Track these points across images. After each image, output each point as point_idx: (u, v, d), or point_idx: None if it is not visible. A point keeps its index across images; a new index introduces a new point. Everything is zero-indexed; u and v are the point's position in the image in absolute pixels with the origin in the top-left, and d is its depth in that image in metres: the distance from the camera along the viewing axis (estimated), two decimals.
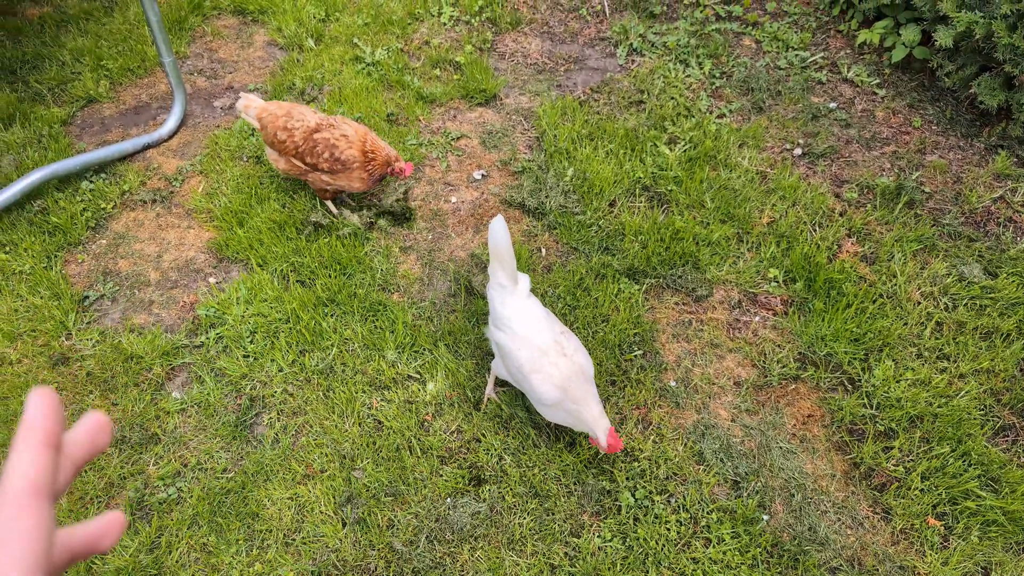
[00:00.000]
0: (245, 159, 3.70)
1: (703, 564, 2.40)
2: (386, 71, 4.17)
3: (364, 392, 2.82)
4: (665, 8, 4.63)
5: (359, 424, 2.73)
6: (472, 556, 2.42)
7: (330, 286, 3.15)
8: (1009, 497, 2.51)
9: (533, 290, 2.95)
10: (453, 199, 3.59)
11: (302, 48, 4.37)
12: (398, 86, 4.10)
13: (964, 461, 2.63)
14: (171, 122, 3.80)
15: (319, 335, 2.98)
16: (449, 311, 3.14)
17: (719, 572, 2.38)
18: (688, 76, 4.15)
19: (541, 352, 2.45)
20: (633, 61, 4.31)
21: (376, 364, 2.90)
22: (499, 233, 2.52)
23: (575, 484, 2.58)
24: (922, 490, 2.57)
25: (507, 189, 3.60)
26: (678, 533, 2.48)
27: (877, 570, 2.41)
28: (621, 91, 4.08)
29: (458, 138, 3.86)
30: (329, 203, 3.42)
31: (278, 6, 4.62)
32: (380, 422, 2.75)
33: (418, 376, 2.90)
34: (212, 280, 3.24)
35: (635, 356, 2.96)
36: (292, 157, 3.20)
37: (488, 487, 2.57)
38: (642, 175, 3.59)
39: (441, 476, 2.60)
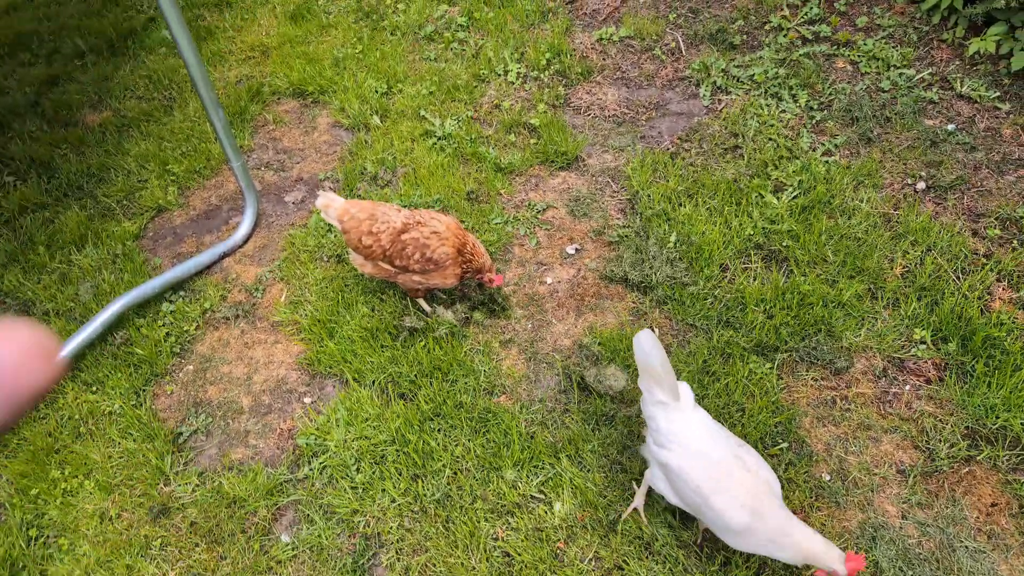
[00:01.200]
0: (326, 259, 3.62)
1: None
2: (459, 143, 4.05)
3: (487, 520, 2.65)
4: (745, 37, 4.39)
5: (487, 559, 2.56)
6: None
7: (433, 396, 3.01)
8: None
9: None
10: (548, 279, 3.42)
11: (368, 127, 4.30)
12: (474, 159, 3.98)
13: None
14: (244, 226, 3.76)
15: (429, 456, 2.84)
16: (562, 411, 2.96)
17: None
18: (783, 112, 3.90)
19: (720, 469, 2.18)
20: (719, 101, 4.09)
21: (495, 486, 2.73)
22: (648, 348, 2.26)
23: None
24: None
25: (606, 263, 3.41)
26: None
27: None
28: (713, 137, 3.85)
29: (544, 210, 3.70)
30: (422, 301, 3.30)
31: (338, 84, 4.57)
32: (509, 555, 2.57)
33: (542, 496, 2.72)
34: (307, 400, 3.14)
35: (781, 449, 2.72)
36: (380, 261, 3.10)
37: None
38: (752, 231, 3.36)
39: None
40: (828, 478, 2.67)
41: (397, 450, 2.89)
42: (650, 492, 2.59)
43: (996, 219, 3.27)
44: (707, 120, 3.98)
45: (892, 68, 4.02)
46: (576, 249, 3.52)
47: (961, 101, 3.83)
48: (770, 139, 3.78)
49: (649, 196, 3.61)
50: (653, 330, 2.54)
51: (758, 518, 2.12)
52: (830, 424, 2.80)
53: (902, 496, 2.59)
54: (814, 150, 3.70)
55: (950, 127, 3.67)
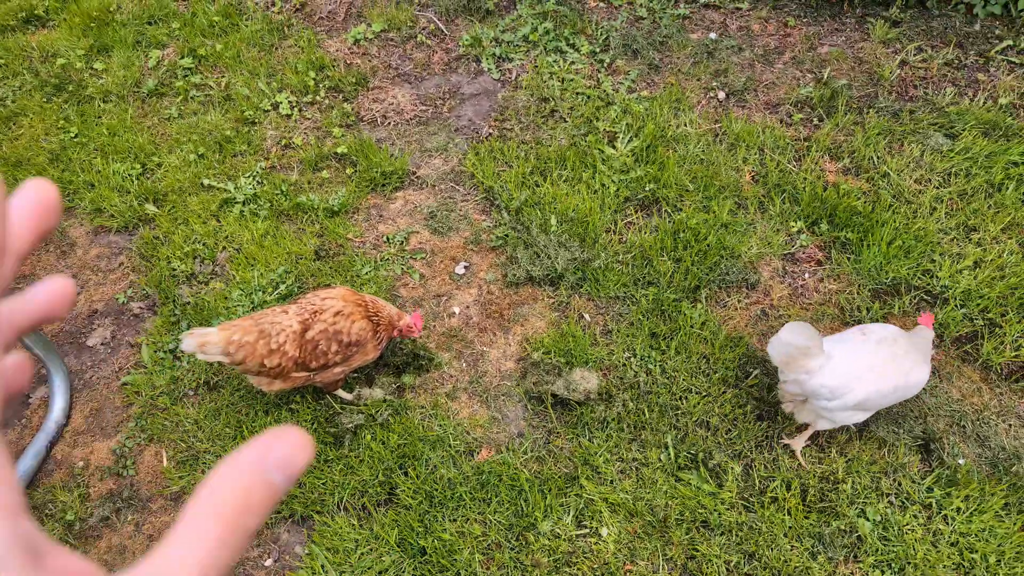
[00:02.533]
0: (192, 392, 2.88)
1: None
2: (271, 201, 3.42)
3: None
4: (497, 1, 4.27)
5: None
6: None
7: (416, 488, 2.61)
8: None
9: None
10: (455, 309, 3.11)
11: (146, 220, 3.44)
12: (297, 212, 3.40)
13: None
14: (59, 398, 2.82)
15: (450, 552, 2.47)
16: (548, 434, 2.76)
17: None
18: (573, 63, 3.89)
19: (892, 360, 2.44)
20: (508, 71, 3.95)
21: (537, 544, 2.48)
22: (797, 340, 2.39)
23: None
24: None
25: (502, 269, 3.19)
26: None
27: None
28: (526, 108, 3.73)
29: (406, 238, 3.32)
30: (341, 392, 2.80)
31: (76, 182, 3.54)
32: None
33: (587, 529, 2.54)
34: (269, 563, 2.54)
35: (756, 375, 2.83)
36: (293, 374, 2.55)
37: None
38: (615, 187, 3.36)
39: None
40: None
41: (415, 565, 2.47)
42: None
43: (791, 105, 3.65)
44: (509, 93, 3.85)
45: None
46: (465, 267, 3.23)
47: (709, 10, 4.16)
48: (578, 93, 3.77)
49: (503, 187, 3.42)
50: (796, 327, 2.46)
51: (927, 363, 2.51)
52: (773, 334, 2.99)
53: None
54: (617, 91, 3.78)
55: (712, 36, 3.99)
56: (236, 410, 2.83)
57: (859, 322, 2.95)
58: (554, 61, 3.92)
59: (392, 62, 4.08)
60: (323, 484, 2.65)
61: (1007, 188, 3.15)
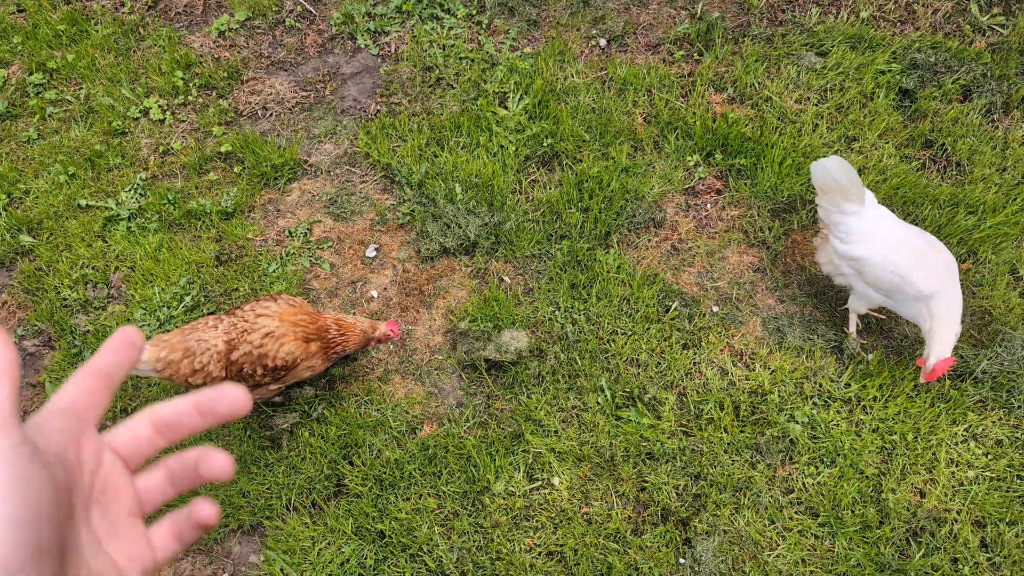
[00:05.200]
0: (108, 424, 2.79)
1: None
2: (161, 212, 3.31)
3: (511, 541, 2.51)
4: None
5: (544, 573, 2.45)
6: None
7: (364, 475, 2.64)
8: None
9: None
10: (373, 293, 3.13)
11: (25, 252, 3.25)
12: (190, 220, 3.30)
13: None
14: None
15: (409, 531, 2.53)
16: (487, 398, 2.85)
17: None
18: (451, 29, 3.92)
19: (914, 251, 2.52)
20: (386, 45, 3.94)
21: (494, 505, 2.57)
22: (835, 173, 2.50)
23: None
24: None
25: (414, 245, 3.22)
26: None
27: None
28: (411, 80, 3.74)
29: (310, 229, 3.29)
30: (279, 398, 2.78)
31: None
32: (553, 553, 2.49)
33: (540, 481, 2.65)
34: None
35: (676, 307, 3.00)
36: None
37: None
38: (512, 146, 3.43)
39: None
40: (716, 308, 3.05)
41: (376, 549, 2.52)
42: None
43: (671, 43, 3.81)
44: (391, 67, 3.84)
45: None
46: (376, 249, 3.24)
47: None
48: (461, 58, 3.81)
49: (401, 162, 3.44)
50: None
51: (942, 285, 2.52)
52: (686, 268, 3.16)
53: (769, 287, 3.08)
54: (500, 51, 3.84)
55: None
56: None
57: (764, 243, 3.16)
58: (432, 29, 3.94)
59: (263, 51, 3.99)
60: (267, 488, 2.64)
61: (878, 97, 3.42)
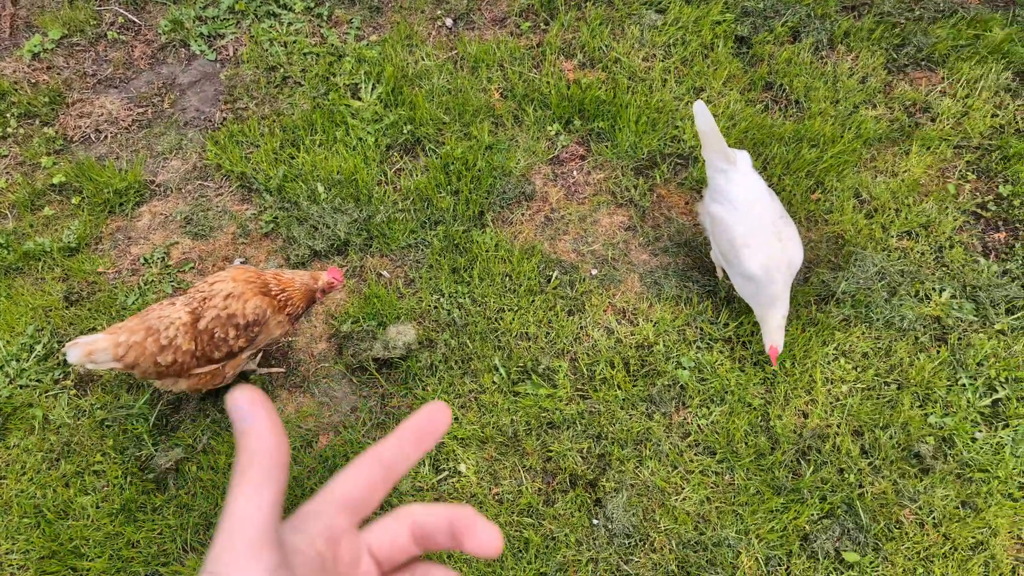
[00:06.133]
0: None
1: None
2: None
3: None
4: None
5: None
6: None
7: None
8: None
9: None
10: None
11: None
12: (30, 261, 3.04)
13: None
14: None
15: None
16: (382, 397, 2.80)
17: None
18: (291, 25, 3.78)
19: (758, 229, 2.57)
20: (223, 48, 3.75)
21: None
22: (702, 114, 2.57)
23: None
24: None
25: (281, 252, 3.10)
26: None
27: None
28: (256, 83, 3.58)
29: (167, 254, 3.10)
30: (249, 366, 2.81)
31: None
32: None
33: (448, 471, 2.63)
34: None
35: (559, 280, 3.04)
36: (197, 369, 2.48)
37: None
38: (371, 137, 3.36)
39: None
40: (595, 271, 3.12)
41: None
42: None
43: (516, 16, 3.83)
44: (232, 71, 3.66)
45: None
46: (242, 262, 3.10)
47: None
48: (305, 53, 3.68)
49: (257, 168, 3.29)
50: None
51: (768, 278, 2.57)
52: (561, 236, 3.20)
53: (641, 243, 3.18)
54: (345, 41, 3.74)
55: None
56: (30, 496, 2.56)
57: (632, 201, 3.25)
58: (270, 26, 3.78)
59: (87, 69, 3.71)
60: (159, 534, 2.50)
61: (718, 46, 3.58)
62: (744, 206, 2.62)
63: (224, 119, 3.53)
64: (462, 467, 2.69)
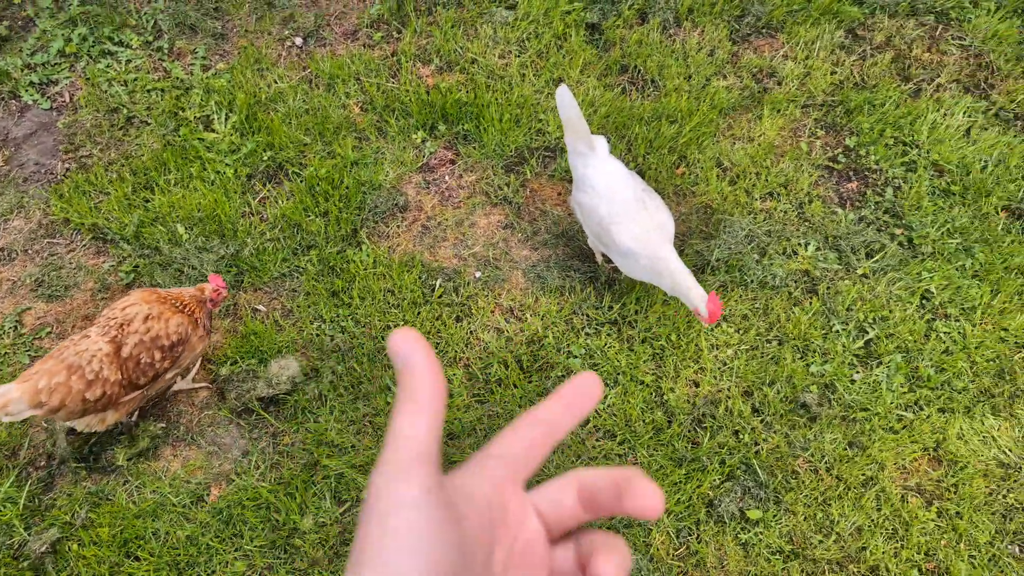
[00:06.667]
0: None
1: None
2: None
3: None
4: (9, 24, 3.72)
5: None
6: None
7: (158, 566, 2.40)
8: None
9: None
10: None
11: None
12: None
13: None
14: None
15: None
16: (273, 436, 2.69)
17: None
18: (129, 61, 3.58)
19: (621, 206, 2.58)
20: (59, 95, 3.52)
21: (307, 548, 2.45)
22: (567, 101, 2.56)
23: None
24: None
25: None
26: None
27: None
28: (96, 127, 3.37)
29: (19, 322, 2.89)
30: (180, 384, 2.78)
31: None
32: None
33: (349, 501, 2.55)
34: None
35: (441, 285, 3.00)
36: (124, 397, 2.41)
37: None
38: (230, 169, 3.23)
39: None
40: (479, 273, 3.10)
41: None
42: None
43: (368, 27, 3.76)
44: (70, 118, 3.44)
45: None
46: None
47: None
48: (149, 91, 3.49)
49: (110, 218, 3.11)
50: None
51: (643, 246, 2.56)
52: (440, 244, 3.16)
53: (520, 239, 3.18)
54: (191, 73, 3.58)
55: None
56: None
57: (506, 199, 3.25)
58: (107, 66, 3.58)
59: None
60: None
61: (571, 36, 3.62)
62: (605, 190, 2.65)
63: (67, 170, 3.32)
64: (364, 494, 2.61)
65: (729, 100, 3.42)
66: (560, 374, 2.82)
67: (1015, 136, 3.39)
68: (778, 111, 3.40)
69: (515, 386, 2.80)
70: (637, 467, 0.54)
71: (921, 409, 2.84)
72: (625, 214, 2.60)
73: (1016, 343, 2.98)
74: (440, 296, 3.00)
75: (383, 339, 2.89)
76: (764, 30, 3.65)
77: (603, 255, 3.03)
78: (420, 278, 3.03)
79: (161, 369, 2.50)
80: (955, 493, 2.70)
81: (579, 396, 0.56)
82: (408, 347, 0.50)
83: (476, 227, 3.21)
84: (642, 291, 2.97)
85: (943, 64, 3.55)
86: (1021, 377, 2.91)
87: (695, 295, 2.52)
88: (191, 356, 2.61)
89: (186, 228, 3.08)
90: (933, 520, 2.66)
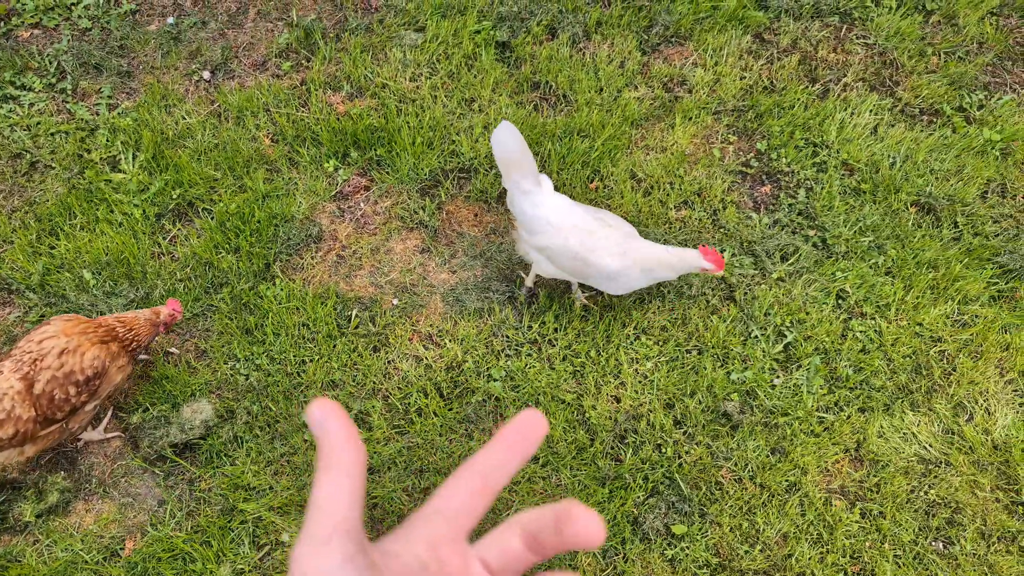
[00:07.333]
0: None
1: None
2: None
3: None
4: None
5: None
6: None
7: None
8: None
9: None
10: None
11: None
12: None
13: None
14: None
15: None
16: (191, 482, 2.63)
17: None
18: (33, 105, 3.50)
19: (588, 233, 2.53)
20: None
21: None
22: (507, 139, 2.47)
23: None
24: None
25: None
26: None
27: None
28: (1, 173, 3.29)
29: None
30: (88, 434, 2.70)
31: None
32: None
33: (268, 545, 2.50)
34: None
35: (357, 315, 2.96)
36: (41, 432, 2.39)
37: None
38: (138, 210, 3.16)
39: None
40: (396, 300, 3.06)
41: None
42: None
43: (276, 57, 3.72)
44: None
45: None
46: None
47: None
48: (52, 134, 3.40)
49: (15, 267, 3.02)
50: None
51: (629, 260, 2.55)
52: (356, 272, 3.13)
53: (438, 263, 3.16)
54: (97, 114, 3.50)
55: (170, 20, 3.86)
56: None
57: (422, 223, 3.23)
58: (10, 111, 3.49)
59: None
60: None
61: (481, 55, 3.62)
62: (566, 223, 2.60)
63: None
64: (285, 536, 2.57)
65: (641, 111, 3.44)
66: (480, 399, 2.80)
67: (921, 131, 3.46)
68: (690, 119, 3.43)
69: (435, 415, 2.77)
70: (572, 499, 0.53)
71: (841, 410, 2.86)
72: (596, 239, 2.57)
73: (931, 337, 3.03)
74: (356, 327, 2.96)
75: (299, 375, 2.84)
76: (673, 39, 3.68)
77: (579, 287, 2.99)
78: (335, 309, 2.99)
79: (78, 403, 2.46)
80: (877, 493, 2.73)
81: (521, 437, 0.55)
82: (323, 415, 0.51)
83: (392, 253, 3.18)
84: (560, 308, 2.96)
85: (849, 64, 3.61)
86: (937, 371, 2.96)
87: (691, 257, 2.61)
88: (110, 387, 2.57)
89: (93, 273, 3.01)
90: (857, 522, 2.68)
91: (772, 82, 3.56)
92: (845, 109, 3.47)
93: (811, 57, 3.64)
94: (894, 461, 2.78)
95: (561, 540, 0.53)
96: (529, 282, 3.01)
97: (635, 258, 2.60)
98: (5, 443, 2.33)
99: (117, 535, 2.57)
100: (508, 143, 2.54)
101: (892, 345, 2.97)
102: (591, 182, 3.29)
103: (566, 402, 2.81)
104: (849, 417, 2.84)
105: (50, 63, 3.65)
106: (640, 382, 2.86)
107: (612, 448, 2.75)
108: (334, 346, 2.91)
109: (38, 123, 3.46)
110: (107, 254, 3.06)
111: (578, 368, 2.87)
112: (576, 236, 2.60)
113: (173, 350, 2.92)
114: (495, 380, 2.83)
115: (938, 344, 3.02)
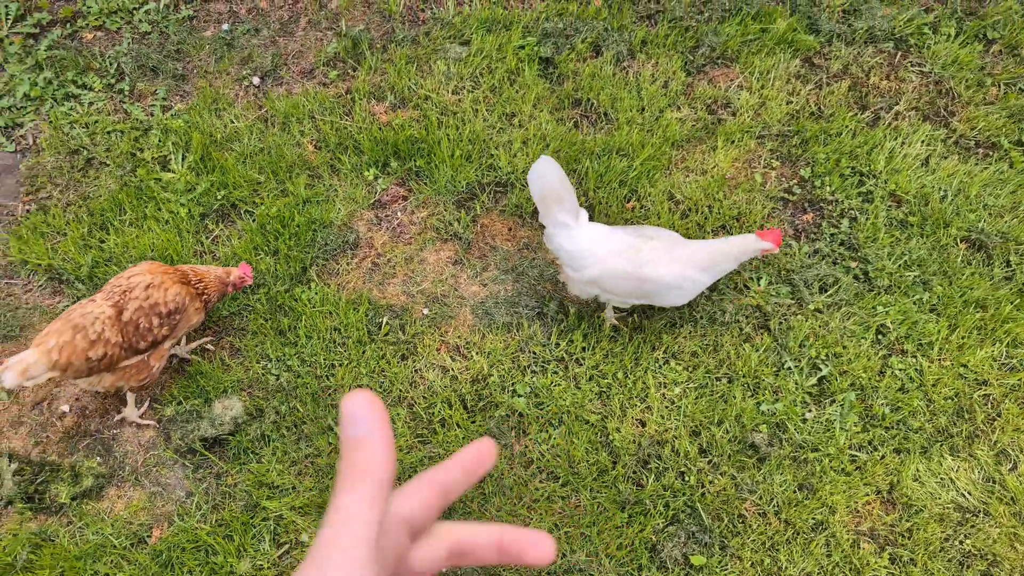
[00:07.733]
0: None
1: None
2: None
3: None
4: None
5: None
6: None
7: None
8: None
9: None
10: (64, 408, 2.85)
11: None
12: None
13: None
14: None
15: None
16: (217, 476, 2.69)
17: None
18: (93, 104, 3.65)
19: (635, 250, 2.53)
20: (23, 139, 3.59)
21: None
22: (547, 171, 2.51)
23: None
24: None
25: None
26: None
27: None
28: (57, 170, 3.42)
29: None
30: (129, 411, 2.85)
31: None
32: None
33: (288, 543, 2.54)
34: None
35: (388, 323, 3.01)
36: (123, 361, 2.60)
37: None
38: (184, 209, 3.27)
39: None
40: (427, 310, 3.09)
41: None
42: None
43: (324, 65, 3.80)
44: (33, 161, 3.49)
45: None
46: None
47: (213, 3, 4.14)
48: (109, 132, 3.54)
49: (66, 258, 3.15)
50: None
51: (681, 267, 2.55)
52: (390, 280, 3.17)
53: (470, 275, 3.18)
54: (151, 115, 3.64)
55: (225, 27, 3.98)
56: None
57: (456, 235, 3.26)
58: (71, 109, 3.65)
59: None
60: None
61: (524, 71, 3.64)
62: (610, 250, 2.61)
63: (27, 211, 3.38)
64: (304, 537, 2.61)
65: (682, 132, 3.41)
66: (504, 413, 2.80)
67: (975, 164, 3.35)
68: (732, 142, 3.39)
69: (458, 426, 2.78)
70: (509, 525, 0.56)
71: (875, 449, 2.78)
72: (642, 253, 2.57)
73: (975, 380, 2.92)
74: (386, 334, 3.00)
75: (328, 378, 2.89)
76: (719, 60, 3.65)
77: (614, 310, 2.98)
78: (367, 316, 3.03)
79: (160, 336, 2.66)
80: (909, 538, 2.64)
81: (476, 461, 0.58)
82: (364, 413, 0.49)
83: (426, 263, 3.21)
84: (589, 328, 2.95)
85: (901, 92, 3.53)
86: (981, 416, 2.85)
87: (751, 242, 2.58)
88: (187, 326, 2.77)
89: None
90: (885, 567, 2.59)
91: (820, 108, 3.50)
92: (896, 138, 3.39)
93: (862, 84, 3.56)
94: (929, 506, 2.69)
95: (505, 560, 0.55)
96: (611, 319, 2.97)
97: (689, 261, 2.59)
98: (94, 365, 2.53)
99: (145, 523, 2.65)
100: (548, 175, 2.57)
101: (933, 386, 2.88)
102: (627, 201, 3.27)
103: (590, 423, 2.79)
104: (883, 457, 2.76)
105: (110, 64, 3.81)
106: (667, 407, 2.83)
107: (634, 472, 2.72)
108: (363, 352, 2.95)
109: (96, 121, 3.61)
110: (152, 250, 3.17)
111: (604, 389, 2.86)
112: (621, 256, 2.60)
113: (209, 346, 3.01)
114: (520, 396, 2.83)
115: (983, 387, 2.91)
